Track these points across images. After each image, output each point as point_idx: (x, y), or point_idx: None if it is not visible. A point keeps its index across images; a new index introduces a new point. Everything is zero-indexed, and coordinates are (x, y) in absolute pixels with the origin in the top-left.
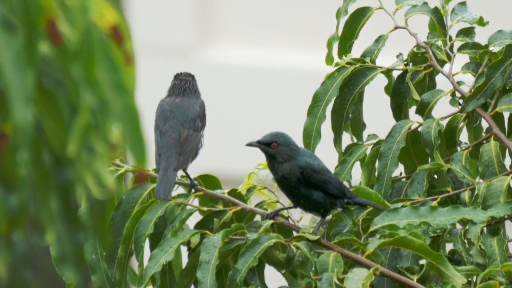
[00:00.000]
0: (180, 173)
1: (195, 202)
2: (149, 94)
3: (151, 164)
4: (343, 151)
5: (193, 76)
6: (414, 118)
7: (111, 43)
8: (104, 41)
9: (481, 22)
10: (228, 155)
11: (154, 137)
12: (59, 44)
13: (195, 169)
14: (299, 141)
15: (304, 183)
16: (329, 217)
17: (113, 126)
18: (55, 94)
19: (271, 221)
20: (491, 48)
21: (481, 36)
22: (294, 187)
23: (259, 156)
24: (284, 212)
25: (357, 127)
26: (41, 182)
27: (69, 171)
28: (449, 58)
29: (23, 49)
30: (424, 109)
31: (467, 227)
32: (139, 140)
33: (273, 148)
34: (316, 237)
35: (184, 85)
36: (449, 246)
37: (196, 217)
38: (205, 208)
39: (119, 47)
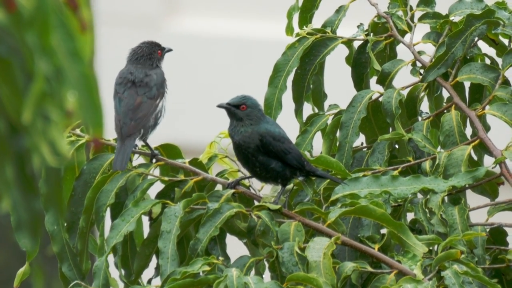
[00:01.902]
0: (141, 143)
1: (156, 172)
2: (113, 64)
3: (110, 134)
4: (304, 121)
5: (151, 44)
6: (375, 88)
7: (67, 11)
8: (59, 8)
9: None
10: (190, 124)
11: (114, 104)
12: (13, 11)
13: (156, 139)
14: None
15: (262, 151)
16: (290, 186)
17: (69, 93)
18: (10, 61)
19: (232, 191)
20: (451, 18)
21: (441, 6)
22: (251, 154)
23: (221, 125)
24: (245, 182)
25: (318, 97)
26: None
27: (25, 138)
28: (410, 28)
29: None
30: (385, 79)
31: (428, 196)
32: (96, 108)
33: (242, 110)
34: (277, 207)
35: (143, 53)
36: (410, 216)
37: (157, 187)
38: (166, 178)
39: (75, 15)
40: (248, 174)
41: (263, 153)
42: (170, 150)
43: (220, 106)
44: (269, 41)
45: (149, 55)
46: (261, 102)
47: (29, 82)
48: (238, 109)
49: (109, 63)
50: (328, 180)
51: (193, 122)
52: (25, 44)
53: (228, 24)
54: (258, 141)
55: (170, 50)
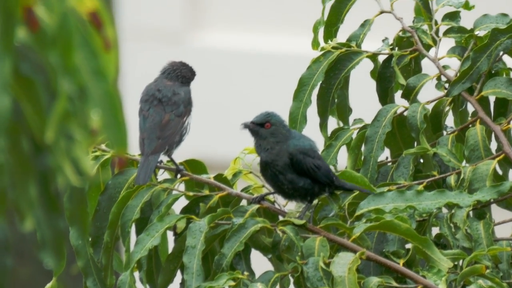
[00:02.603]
0: (166, 158)
1: (181, 187)
2: (138, 78)
3: (135, 149)
4: (329, 135)
5: (191, 69)
6: (400, 102)
7: (90, 29)
8: (83, 27)
9: (466, 6)
10: (214, 140)
11: (138, 121)
12: (36, 30)
13: (181, 154)
14: None
15: (292, 169)
16: (315, 201)
17: (93, 112)
18: (34, 80)
19: (257, 206)
20: (476, 32)
21: (466, 20)
22: (280, 172)
23: (245, 141)
24: (270, 197)
25: (343, 111)
26: (20, 168)
27: (48, 157)
28: (435, 42)
29: (0, 36)
30: (410, 93)
31: (453, 211)
32: (119, 126)
33: (267, 128)
34: (302, 222)
35: (176, 72)
36: (435, 230)
37: (182, 202)
38: (191, 193)
39: (99, 33)
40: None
41: (293, 171)
42: (195, 165)
43: (244, 125)
44: (294, 55)
45: (181, 73)
46: (285, 116)
47: (52, 101)
48: (262, 128)
49: (133, 78)
50: (353, 195)
51: (217, 137)
52: (48, 63)
53: (252, 39)
54: (288, 159)
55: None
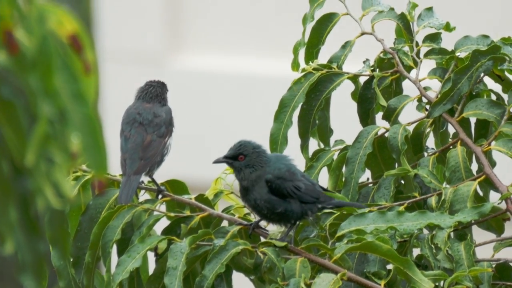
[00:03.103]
0: (147, 178)
1: (162, 207)
2: (117, 101)
3: (116, 170)
4: (310, 156)
5: (162, 83)
6: (381, 123)
7: (70, 53)
8: (63, 50)
9: (447, 27)
10: (195, 161)
11: (120, 142)
12: (16, 53)
13: (162, 174)
14: (266, 147)
15: (274, 194)
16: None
17: (72, 136)
18: (14, 103)
19: (238, 227)
20: (457, 54)
21: (447, 42)
22: (260, 199)
23: None
24: (252, 217)
25: (324, 132)
26: (0, 191)
27: (28, 180)
28: (416, 63)
29: None
30: (390, 115)
31: (434, 232)
32: (99, 149)
33: (240, 160)
34: (283, 244)
35: (151, 92)
36: (416, 251)
37: (163, 223)
38: (172, 214)
39: (79, 57)
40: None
41: (274, 196)
42: (176, 186)
43: (216, 161)
44: (274, 77)
45: (157, 93)
46: (266, 137)
47: (32, 124)
48: (236, 161)
49: (112, 100)
50: (334, 216)
51: (199, 159)
52: (28, 86)
53: (232, 61)
54: (267, 187)
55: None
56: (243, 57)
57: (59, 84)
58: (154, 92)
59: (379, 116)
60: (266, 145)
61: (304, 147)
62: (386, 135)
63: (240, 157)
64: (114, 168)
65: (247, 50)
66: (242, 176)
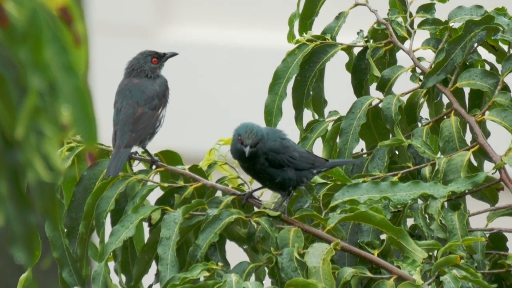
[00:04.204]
0: (141, 149)
1: (156, 178)
2: (107, 73)
3: (109, 140)
4: (304, 127)
5: (149, 54)
6: (374, 94)
7: (60, 25)
8: (53, 22)
9: None
10: (188, 132)
11: (113, 114)
12: (6, 26)
13: (156, 145)
14: (260, 119)
15: (270, 165)
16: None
17: (63, 108)
18: (4, 76)
19: (232, 197)
20: (451, 24)
21: (441, 12)
22: (260, 169)
23: (220, 133)
24: (246, 187)
25: (318, 103)
26: None
27: (19, 153)
28: (410, 34)
29: None
30: (384, 85)
31: (427, 202)
32: (89, 121)
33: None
34: (276, 213)
35: (133, 67)
36: (410, 221)
37: (157, 193)
38: (166, 184)
39: (69, 29)
40: (247, 180)
41: (271, 167)
42: (170, 156)
43: (249, 156)
44: (268, 49)
45: (140, 67)
46: (260, 109)
47: (23, 96)
48: (255, 147)
49: (103, 73)
50: (328, 187)
51: (191, 130)
52: (18, 58)
53: (224, 33)
54: (264, 160)
55: (173, 55)
56: (235, 29)
57: (49, 56)
58: (136, 67)
59: (373, 86)
60: (260, 117)
61: (298, 118)
62: (380, 105)
63: (258, 144)
64: (107, 139)
65: (239, 22)
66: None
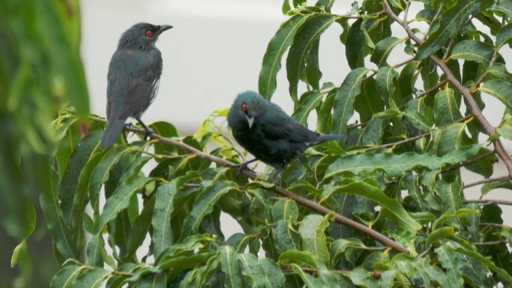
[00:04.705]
0: (135, 121)
1: (150, 149)
2: (99, 46)
3: (104, 113)
4: (298, 99)
5: (143, 26)
6: (369, 66)
7: None
8: None
9: None
10: (183, 103)
11: (106, 85)
12: None
13: (150, 117)
14: (255, 90)
15: (266, 136)
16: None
17: (55, 79)
18: None
19: (226, 169)
20: None
21: None
22: (256, 140)
23: (214, 104)
24: (240, 159)
25: (313, 75)
26: None
27: (11, 125)
28: (404, 6)
29: None
30: (379, 57)
31: (422, 173)
32: (82, 92)
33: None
34: (271, 185)
35: (127, 38)
36: (404, 193)
37: (151, 165)
38: (160, 156)
39: (61, 0)
40: (241, 152)
41: (267, 138)
42: (165, 128)
43: (252, 125)
44: (259, 21)
45: (134, 39)
46: (255, 81)
47: (15, 68)
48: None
49: (95, 45)
50: (322, 158)
51: (186, 102)
52: (11, 30)
53: (216, 5)
54: (261, 131)
55: (168, 27)
56: (229, 1)
57: (41, 27)
58: (130, 39)
59: (367, 58)
60: (255, 88)
61: (293, 90)
62: (374, 77)
63: (261, 113)
64: (101, 111)
65: None
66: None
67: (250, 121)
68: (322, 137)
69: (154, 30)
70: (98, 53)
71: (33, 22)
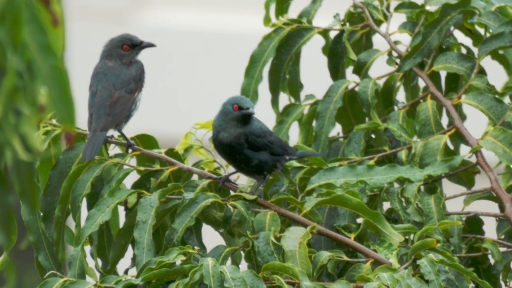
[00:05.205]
0: (117, 133)
1: (132, 162)
2: (82, 57)
3: (85, 124)
4: (280, 111)
5: (120, 40)
6: (351, 78)
7: (38, 5)
8: (31, 3)
9: None
10: (165, 116)
11: (88, 97)
12: None
13: (132, 129)
14: None
15: (248, 147)
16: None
17: (41, 88)
18: None
19: (208, 181)
20: (427, 7)
21: None
22: (237, 152)
23: (196, 117)
24: (222, 171)
25: (295, 87)
26: None
27: None
28: (386, 17)
29: None
30: (361, 69)
31: (404, 185)
32: (67, 101)
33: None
34: (253, 197)
35: (109, 51)
36: (386, 205)
37: (133, 177)
38: (142, 168)
39: (47, 9)
40: (223, 164)
41: (249, 149)
42: (146, 140)
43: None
44: (241, 33)
45: (109, 52)
46: (237, 93)
47: (1, 76)
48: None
49: (78, 57)
50: (304, 170)
51: (167, 114)
52: None
53: (198, 17)
54: (244, 140)
55: (150, 45)
56: (211, 13)
57: (27, 36)
58: (111, 52)
59: (349, 70)
60: None
61: (274, 101)
62: (356, 89)
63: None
64: (84, 123)
65: (215, 6)
66: (233, 127)
67: (251, 110)
68: (301, 153)
69: (134, 45)
70: (81, 66)
71: (19, 30)
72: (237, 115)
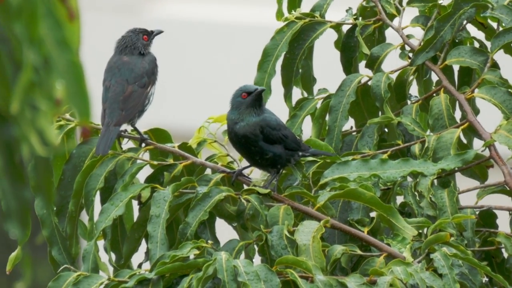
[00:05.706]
0: (130, 127)
1: (146, 156)
2: (96, 50)
3: (99, 120)
4: (293, 105)
5: (140, 31)
6: (364, 72)
7: (54, 0)
8: None
9: None
10: (178, 109)
11: (101, 92)
12: (2, 1)
13: (145, 123)
14: None
15: (263, 139)
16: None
17: (57, 82)
18: None
19: (221, 175)
20: (440, 1)
21: None
22: (252, 144)
23: (209, 110)
24: (235, 165)
25: (307, 81)
26: None
27: (13, 128)
28: (398, 11)
29: None
30: (373, 63)
31: (417, 179)
32: (83, 96)
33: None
34: (266, 191)
35: (126, 44)
36: (399, 199)
37: (146, 171)
38: (155, 162)
39: (63, 4)
40: (237, 158)
41: (264, 141)
42: (160, 134)
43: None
44: (257, 26)
45: (133, 44)
46: None
47: (17, 71)
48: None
49: (91, 50)
50: (318, 164)
51: (180, 108)
52: (13, 34)
53: (210, 10)
54: (259, 132)
55: (160, 32)
56: (222, 5)
57: (43, 31)
58: (129, 44)
59: (362, 64)
60: None
61: (287, 96)
62: (369, 83)
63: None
64: (97, 117)
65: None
66: (247, 115)
67: (260, 88)
68: (313, 151)
69: (149, 35)
70: (91, 59)
71: (36, 25)
72: (251, 99)
